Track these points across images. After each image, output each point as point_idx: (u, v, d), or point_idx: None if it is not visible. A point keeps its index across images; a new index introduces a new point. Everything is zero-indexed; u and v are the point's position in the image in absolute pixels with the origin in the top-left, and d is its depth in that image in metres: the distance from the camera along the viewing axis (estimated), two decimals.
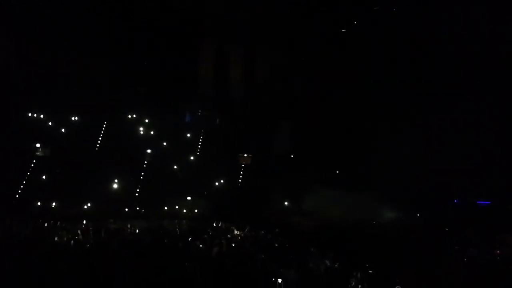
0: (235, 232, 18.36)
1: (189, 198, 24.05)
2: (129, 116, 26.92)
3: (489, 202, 21.09)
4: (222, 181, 25.30)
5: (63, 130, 25.77)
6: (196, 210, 23.71)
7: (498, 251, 12.29)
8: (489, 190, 20.63)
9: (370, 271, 6.83)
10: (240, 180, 25.62)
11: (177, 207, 23.76)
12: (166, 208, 23.49)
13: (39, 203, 22.55)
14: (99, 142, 25.74)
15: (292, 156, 25.74)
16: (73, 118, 26.10)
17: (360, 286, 6.54)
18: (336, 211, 20.62)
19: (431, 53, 21.59)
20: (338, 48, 23.98)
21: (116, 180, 23.92)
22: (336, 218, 20.20)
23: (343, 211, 20.50)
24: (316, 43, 24.48)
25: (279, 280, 5.87)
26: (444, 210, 21.20)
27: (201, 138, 27.10)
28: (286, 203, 23.92)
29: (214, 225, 20.49)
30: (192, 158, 26.16)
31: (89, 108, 25.69)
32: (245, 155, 25.87)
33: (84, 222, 18.98)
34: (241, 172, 25.65)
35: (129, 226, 18.42)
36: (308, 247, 13.63)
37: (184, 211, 23.63)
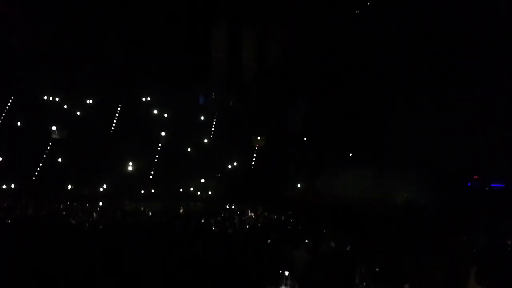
0: (249, 213, 18.43)
1: (203, 180, 24.17)
2: (143, 99, 26.99)
3: (503, 186, 20.44)
4: (235, 163, 25.32)
5: (78, 112, 26.02)
6: (209, 192, 23.85)
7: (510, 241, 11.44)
8: (505, 172, 19.93)
9: (377, 269, 6.62)
10: (253, 162, 25.59)
11: (191, 189, 23.93)
12: (180, 189, 23.69)
13: (55, 185, 22.99)
14: (113, 124, 25.96)
15: (305, 138, 25.48)
16: (88, 101, 26.30)
17: (364, 284, 6.37)
18: (349, 192, 20.44)
19: (458, 31, 20.59)
20: (354, 26, 23.32)
21: (130, 162, 24.16)
22: (349, 199, 20.04)
23: (356, 192, 20.29)
24: (331, 21, 23.85)
25: (286, 273, 5.72)
26: (456, 192, 20.53)
27: (214, 120, 27.06)
28: (299, 185, 23.83)
29: (228, 206, 20.59)
30: (205, 140, 26.20)
31: (104, 90, 25.85)
32: (258, 137, 25.73)
33: (100, 203, 19.29)
34: (254, 154, 25.60)
35: (142, 208, 18.66)
36: (320, 229, 13.55)
37: (198, 193, 23.79)
